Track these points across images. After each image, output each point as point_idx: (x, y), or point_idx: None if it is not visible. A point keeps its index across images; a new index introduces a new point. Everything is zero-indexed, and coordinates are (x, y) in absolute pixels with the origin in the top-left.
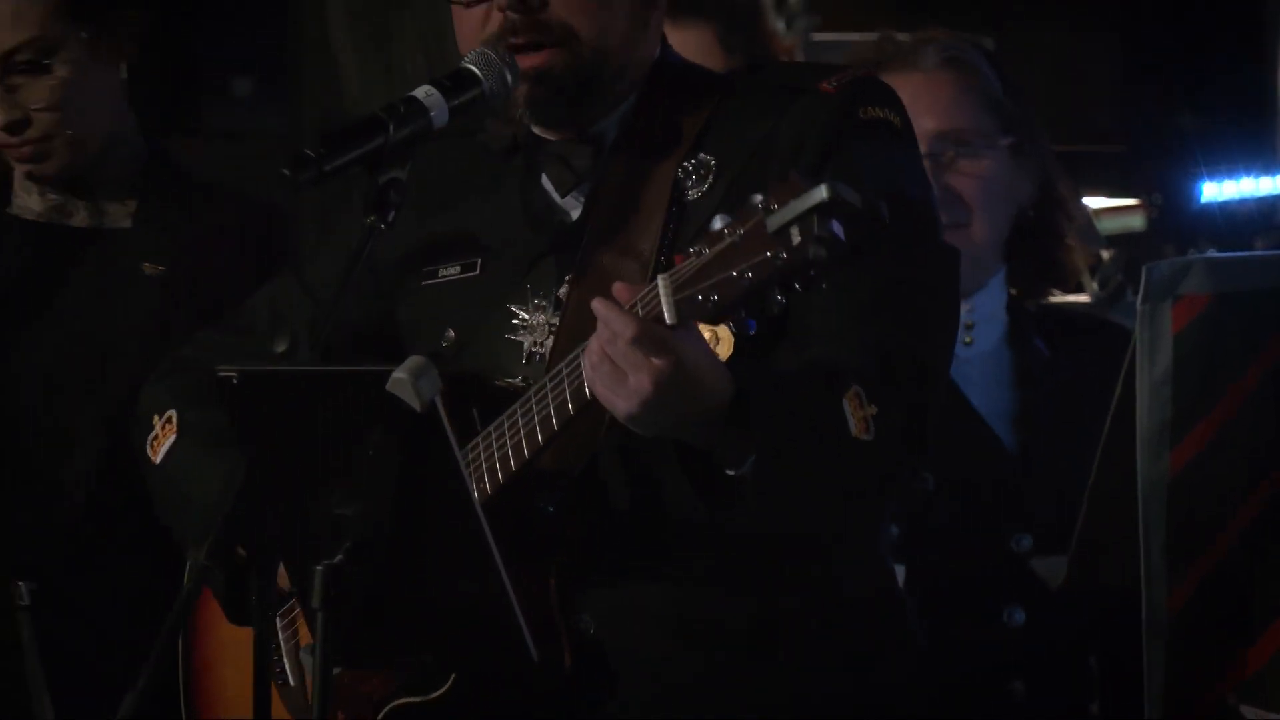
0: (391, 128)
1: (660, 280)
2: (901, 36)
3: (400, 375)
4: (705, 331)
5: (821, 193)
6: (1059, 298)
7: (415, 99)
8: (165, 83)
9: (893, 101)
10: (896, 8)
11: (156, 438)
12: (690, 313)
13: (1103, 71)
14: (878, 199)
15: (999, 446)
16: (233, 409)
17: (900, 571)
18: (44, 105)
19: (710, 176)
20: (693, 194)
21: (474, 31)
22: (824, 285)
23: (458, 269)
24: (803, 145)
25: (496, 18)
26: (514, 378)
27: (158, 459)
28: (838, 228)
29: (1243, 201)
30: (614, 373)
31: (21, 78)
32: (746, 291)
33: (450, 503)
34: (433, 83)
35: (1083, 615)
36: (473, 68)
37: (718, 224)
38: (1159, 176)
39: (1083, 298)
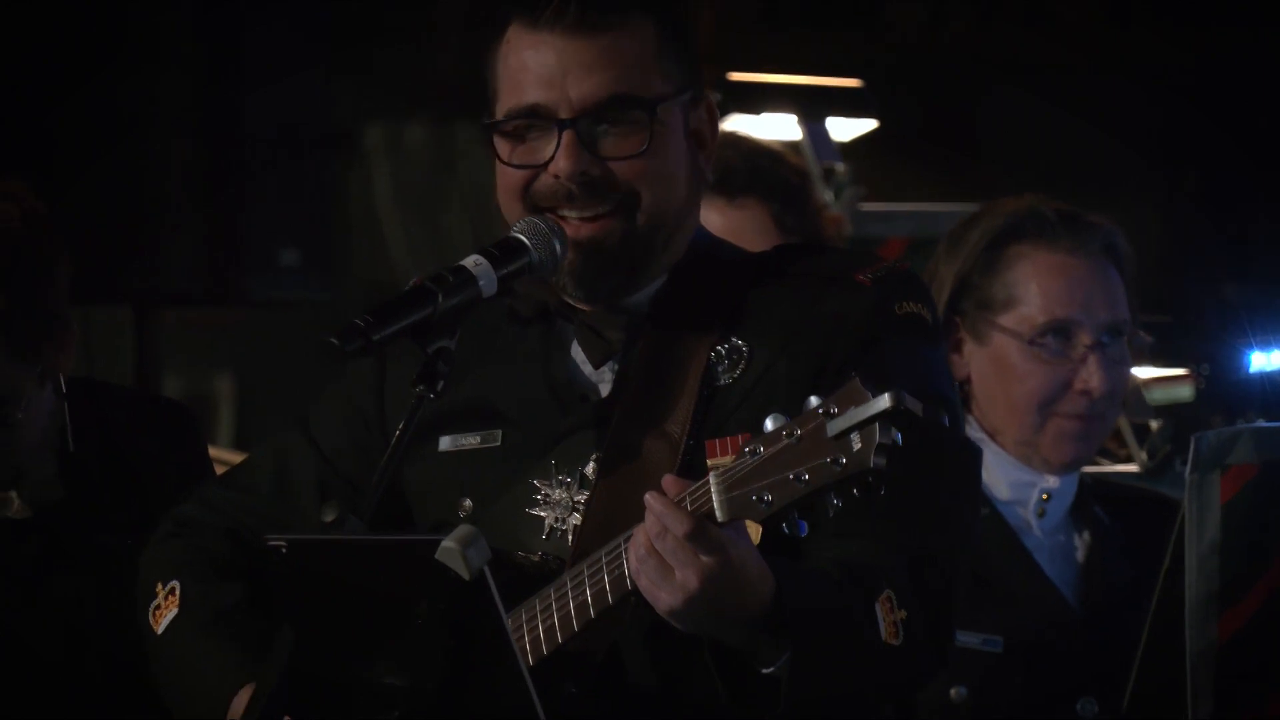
0: (440, 297)
1: (712, 477)
2: (1048, 211)
3: (449, 544)
4: None
5: (885, 401)
6: (1106, 467)
7: (464, 268)
8: (212, 254)
9: (925, 296)
10: (941, 178)
11: (159, 607)
12: (742, 512)
13: (1146, 242)
14: (938, 408)
15: (1068, 611)
16: (280, 578)
17: None
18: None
19: (742, 362)
20: (724, 379)
21: (519, 188)
22: (882, 491)
23: (477, 439)
24: (837, 337)
25: (548, 180)
26: (533, 553)
27: (159, 629)
28: (899, 436)
29: None
30: (660, 567)
31: None
32: (802, 494)
33: (498, 672)
34: (481, 251)
35: None
36: (521, 237)
37: (771, 424)
38: (1206, 346)
39: (1131, 468)
